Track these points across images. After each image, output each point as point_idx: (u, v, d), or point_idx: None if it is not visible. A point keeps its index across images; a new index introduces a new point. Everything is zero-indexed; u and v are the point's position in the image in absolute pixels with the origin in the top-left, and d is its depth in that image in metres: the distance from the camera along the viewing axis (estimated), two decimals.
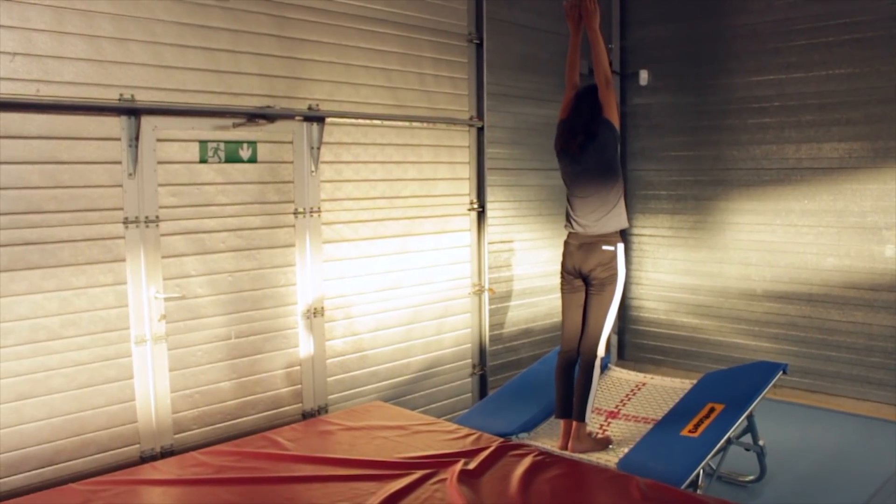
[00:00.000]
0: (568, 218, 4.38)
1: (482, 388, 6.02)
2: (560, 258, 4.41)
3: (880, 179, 5.93)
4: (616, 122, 4.25)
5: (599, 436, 4.37)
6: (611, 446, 4.24)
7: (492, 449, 3.89)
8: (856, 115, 6.02)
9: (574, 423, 4.24)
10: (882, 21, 5.82)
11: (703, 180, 6.96)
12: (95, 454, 4.04)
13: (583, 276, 4.31)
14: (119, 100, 4.02)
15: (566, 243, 4.39)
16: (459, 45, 5.73)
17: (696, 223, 7.02)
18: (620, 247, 4.27)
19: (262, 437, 4.11)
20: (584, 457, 4.09)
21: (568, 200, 4.39)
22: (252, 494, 3.42)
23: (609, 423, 4.56)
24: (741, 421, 4.21)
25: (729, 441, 4.12)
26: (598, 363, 4.26)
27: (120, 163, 4.06)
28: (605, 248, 4.22)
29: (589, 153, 4.22)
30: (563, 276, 4.41)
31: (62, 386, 3.91)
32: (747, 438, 4.47)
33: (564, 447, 4.21)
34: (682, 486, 3.66)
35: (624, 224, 4.31)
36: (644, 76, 7.15)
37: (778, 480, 4.65)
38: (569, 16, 4.56)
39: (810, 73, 6.20)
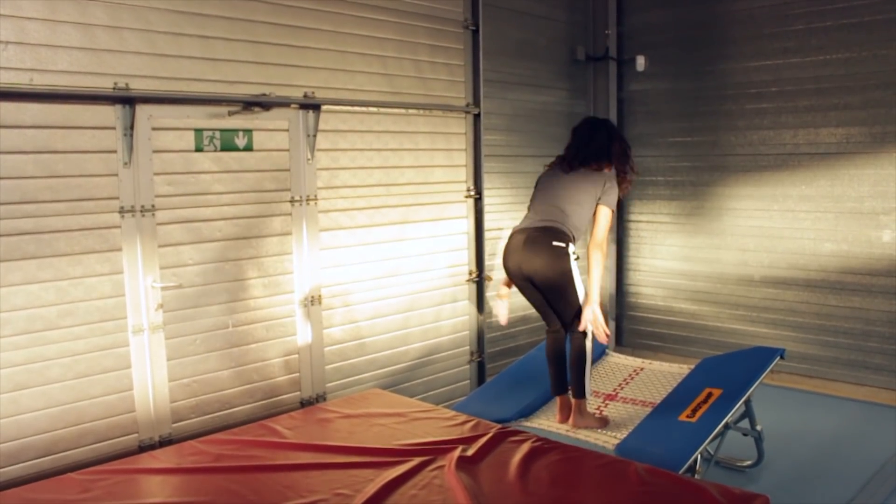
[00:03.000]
0: (525, 217, 4.35)
1: (480, 375, 6.02)
2: None
3: (878, 164, 5.92)
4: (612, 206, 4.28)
5: (597, 416, 4.38)
6: (607, 430, 4.24)
7: (490, 435, 3.89)
8: (854, 99, 6.00)
9: (574, 401, 4.26)
10: (880, 5, 5.80)
11: (701, 166, 6.95)
12: (93, 444, 4.04)
13: (528, 279, 4.25)
14: (113, 88, 4.00)
15: (510, 237, 4.30)
16: (455, 32, 5.70)
17: (694, 209, 7.01)
18: (572, 247, 4.17)
19: (261, 426, 4.11)
20: (583, 438, 4.10)
21: (532, 199, 4.39)
22: (251, 482, 3.42)
23: (607, 404, 4.56)
24: (739, 406, 4.21)
25: (727, 426, 4.13)
26: (587, 340, 4.24)
27: (115, 152, 4.04)
28: (554, 243, 4.12)
29: (586, 176, 4.28)
30: (506, 273, 4.36)
31: (59, 376, 3.91)
32: (745, 423, 4.48)
33: (564, 421, 4.25)
34: (680, 471, 3.66)
35: (577, 240, 4.25)
36: (641, 62, 7.12)
37: (775, 465, 4.67)
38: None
39: (808, 58, 6.18)
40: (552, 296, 4.21)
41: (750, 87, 6.55)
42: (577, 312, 4.18)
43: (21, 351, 3.77)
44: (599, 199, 4.27)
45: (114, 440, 4.12)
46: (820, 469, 4.69)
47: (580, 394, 4.25)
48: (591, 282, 4.18)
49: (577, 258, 4.21)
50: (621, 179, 4.37)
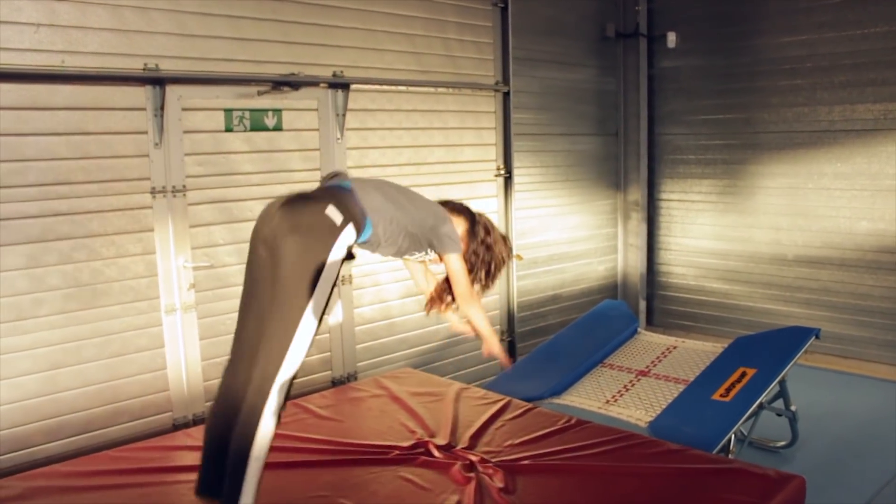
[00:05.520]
0: None
1: (510, 355, 6.01)
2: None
3: None
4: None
5: None
6: (641, 406, 4.19)
7: (520, 414, 3.88)
8: (891, 74, 5.86)
9: None
10: None
11: (733, 144, 6.84)
12: (128, 422, 4.09)
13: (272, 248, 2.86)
14: (143, 69, 4.01)
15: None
16: (484, 9, 5.65)
17: (726, 187, 6.92)
18: (350, 233, 2.86)
19: (293, 405, 4.13)
20: (615, 416, 4.07)
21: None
22: (285, 460, 3.44)
23: (639, 379, 4.52)
24: (773, 386, 4.16)
25: (761, 406, 4.09)
26: (263, 429, 2.70)
27: (146, 133, 4.06)
28: (328, 211, 2.82)
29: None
30: (250, 247, 3.04)
31: (95, 355, 3.95)
32: (779, 404, 4.43)
33: None
34: (714, 451, 3.63)
35: (377, 240, 3.09)
36: (672, 38, 7.01)
37: (810, 446, 4.61)
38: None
39: (844, 33, 6.04)
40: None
41: (784, 63, 6.42)
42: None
43: (57, 330, 3.82)
44: None
45: (148, 418, 4.16)
46: (855, 450, 4.63)
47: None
48: None
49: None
50: None
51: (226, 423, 2.81)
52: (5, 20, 3.58)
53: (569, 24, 6.70)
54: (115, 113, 3.95)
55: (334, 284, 2.81)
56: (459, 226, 3.28)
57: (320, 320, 2.77)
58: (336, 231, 2.78)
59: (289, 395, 2.78)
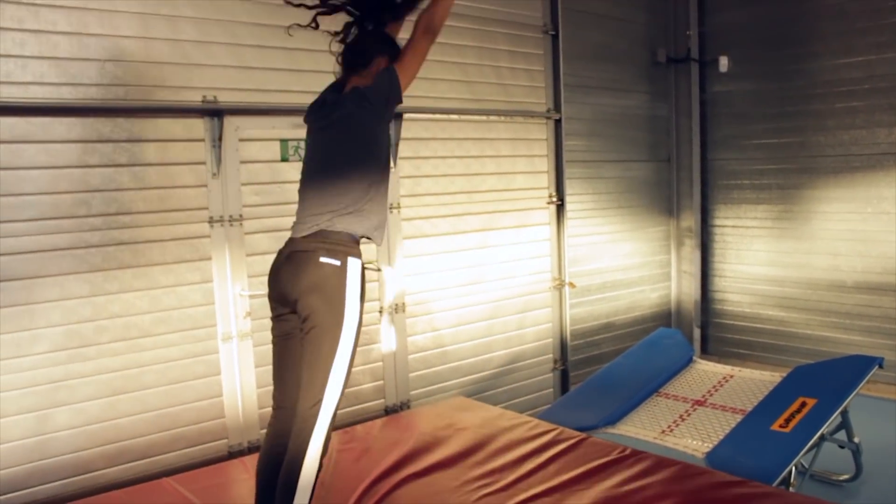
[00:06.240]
0: None
1: (564, 384, 5.96)
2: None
3: None
4: (400, 85, 3.04)
5: None
6: (698, 436, 4.12)
7: (574, 444, 3.84)
8: None
9: None
10: None
11: (788, 168, 6.74)
12: (185, 448, 4.14)
13: (293, 307, 2.86)
14: (202, 101, 4.11)
15: (277, 255, 2.96)
16: (535, 37, 5.68)
17: (782, 213, 6.80)
18: (354, 264, 2.82)
19: (345, 433, 4.15)
20: (671, 446, 4.01)
21: (299, 194, 3.04)
22: (340, 487, 3.46)
23: (695, 409, 4.45)
24: (835, 417, 4.05)
25: (822, 437, 3.98)
26: (309, 463, 2.71)
27: (204, 163, 4.15)
28: (323, 259, 2.77)
29: (337, 123, 3.02)
30: (271, 309, 2.99)
31: (154, 382, 4.02)
32: (841, 435, 4.31)
33: None
34: (774, 484, 3.54)
35: (371, 231, 2.93)
36: (724, 63, 6.96)
37: (875, 480, 4.47)
38: None
39: None
40: (305, 349, 2.81)
41: (840, 85, 6.32)
42: (312, 406, 2.74)
43: (118, 357, 3.90)
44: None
45: (204, 445, 4.21)
46: None
47: None
48: None
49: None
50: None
51: (274, 465, 2.86)
52: (75, 57, 3.71)
53: (620, 50, 6.70)
54: (174, 144, 4.05)
55: (362, 297, 2.84)
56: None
57: (357, 338, 2.81)
58: (342, 271, 2.79)
59: (333, 423, 2.82)
